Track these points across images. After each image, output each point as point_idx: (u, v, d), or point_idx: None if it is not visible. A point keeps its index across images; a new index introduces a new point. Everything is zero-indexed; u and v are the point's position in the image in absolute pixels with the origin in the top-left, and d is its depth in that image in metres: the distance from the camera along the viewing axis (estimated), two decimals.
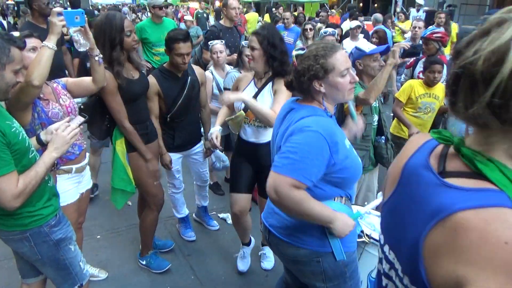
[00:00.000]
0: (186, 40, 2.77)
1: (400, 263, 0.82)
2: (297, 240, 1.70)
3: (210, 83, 3.73)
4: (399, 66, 5.40)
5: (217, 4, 14.04)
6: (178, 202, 3.37)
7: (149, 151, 2.77)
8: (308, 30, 5.86)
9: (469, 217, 0.66)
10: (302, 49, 1.67)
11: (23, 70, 1.91)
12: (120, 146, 2.67)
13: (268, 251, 3.09)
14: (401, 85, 4.16)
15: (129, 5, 21.61)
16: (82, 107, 2.47)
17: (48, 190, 1.89)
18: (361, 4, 20.23)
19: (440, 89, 3.66)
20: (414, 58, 4.26)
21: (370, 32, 6.55)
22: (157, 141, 2.91)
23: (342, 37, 6.26)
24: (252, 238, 3.08)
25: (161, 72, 2.93)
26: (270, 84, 2.52)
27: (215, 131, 2.62)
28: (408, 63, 4.67)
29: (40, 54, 2.00)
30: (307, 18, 9.14)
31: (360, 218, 1.83)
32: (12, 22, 12.56)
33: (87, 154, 2.58)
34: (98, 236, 3.46)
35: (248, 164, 2.74)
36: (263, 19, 12.28)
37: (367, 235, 2.12)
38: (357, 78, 1.72)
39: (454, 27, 7.24)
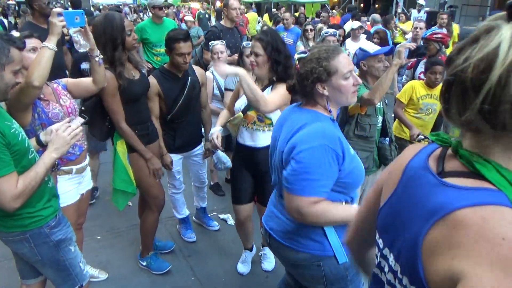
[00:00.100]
0: (186, 39, 2.76)
1: (400, 264, 0.82)
2: (297, 244, 1.70)
3: (210, 84, 3.73)
4: (401, 67, 5.39)
5: (218, 4, 14.04)
6: (178, 203, 3.37)
7: (150, 151, 2.76)
8: (309, 31, 5.85)
9: (467, 214, 0.67)
10: (304, 52, 1.65)
11: (23, 71, 1.90)
12: (121, 146, 2.66)
13: (268, 252, 3.09)
14: (402, 86, 4.15)
15: (129, 5, 21.60)
16: (83, 108, 2.46)
17: (48, 191, 1.88)
18: (362, 5, 20.23)
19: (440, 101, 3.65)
20: (415, 59, 4.25)
21: (371, 31, 6.55)
22: (158, 142, 2.90)
23: (345, 37, 6.24)
24: (254, 245, 3.10)
25: (162, 72, 2.92)
26: (269, 88, 2.50)
27: (216, 131, 2.61)
28: (409, 64, 4.67)
29: (40, 54, 1.99)
30: (308, 19, 9.13)
31: None
32: (13, 22, 12.57)
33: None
34: (98, 237, 3.45)
35: (247, 172, 2.73)
36: (262, 19, 12.29)
37: None
38: (360, 81, 1.71)
39: (456, 28, 7.24)
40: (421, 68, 4.30)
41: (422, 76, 4.17)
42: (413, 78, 4.46)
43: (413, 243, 0.76)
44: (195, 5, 16.75)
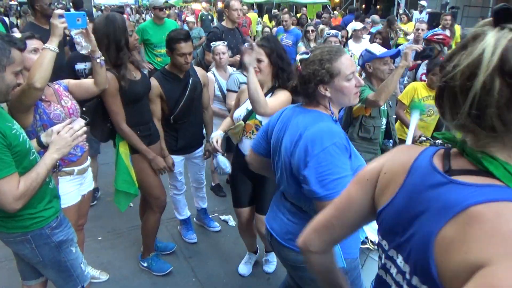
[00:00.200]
0: (187, 39, 2.77)
1: (409, 264, 0.82)
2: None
3: (212, 85, 3.73)
4: None
5: (220, 5, 14.04)
6: (180, 204, 3.37)
7: (152, 152, 2.76)
8: (310, 32, 5.85)
9: (481, 210, 0.69)
10: (306, 53, 1.64)
11: (24, 72, 1.91)
12: (123, 147, 2.66)
13: (271, 257, 3.08)
14: (404, 87, 4.14)
15: (131, 5, 21.63)
16: (84, 109, 2.46)
17: (49, 192, 1.88)
18: (363, 6, 20.22)
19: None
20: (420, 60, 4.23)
21: (372, 31, 6.55)
22: (159, 143, 2.90)
23: (347, 39, 6.23)
24: (258, 248, 3.10)
25: (163, 74, 2.92)
26: (269, 95, 2.48)
27: (216, 135, 2.61)
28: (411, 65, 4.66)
29: (41, 56, 1.99)
30: (311, 20, 9.13)
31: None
32: (15, 22, 12.60)
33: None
34: (100, 238, 3.45)
35: (246, 178, 2.72)
36: (262, 20, 12.29)
37: (371, 241, 2.08)
38: (362, 82, 1.70)
39: (457, 29, 7.22)
40: (422, 69, 4.29)
41: (423, 77, 4.16)
42: (414, 79, 4.45)
43: (424, 242, 0.76)
44: (197, 6, 16.75)
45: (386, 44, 5.78)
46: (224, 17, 4.86)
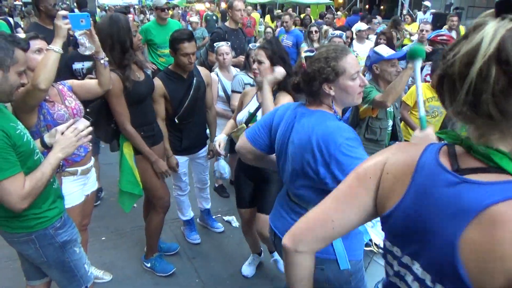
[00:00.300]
0: (190, 39, 2.77)
1: (429, 271, 0.80)
2: None
3: (215, 85, 3.73)
4: None
5: (223, 6, 14.06)
6: (183, 205, 3.37)
7: (155, 152, 2.76)
8: (314, 32, 5.83)
9: (503, 209, 0.67)
10: (311, 50, 1.62)
11: (28, 72, 1.91)
12: (127, 148, 2.66)
13: (277, 255, 3.07)
14: (408, 88, 4.12)
15: (134, 6, 21.69)
16: (88, 110, 2.46)
17: (53, 192, 1.88)
18: (367, 6, 20.18)
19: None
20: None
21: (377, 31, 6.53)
22: (162, 143, 2.90)
23: (352, 39, 6.22)
24: (262, 249, 3.08)
25: (167, 74, 2.92)
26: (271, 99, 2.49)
27: (219, 139, 2.61)
28: None
29: (46, 57, 2.00)
30: (314, 21, 9.12)
31: (371, 227, 1.80)
32: (19, 22, 12.66)
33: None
34: (103, 238, 3.46)
35: (248, 179, 2.72)
36: (264, 20, 12.28)
37: (375, 244, 2.07)
38: (366, 82, 1.69)
39: (462, 30, 7.19)
40: (427, 70, 4.28)
41: (428, 78, 4.14)
42: None
43: (447, 248, 0.74)
44: (200, 6, 16.76)
45: (390, 45, 5.74)
46: (227, 18, 4.85)
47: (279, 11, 14.21)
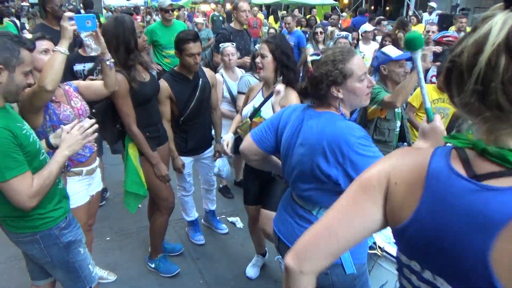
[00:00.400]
0: (195, 40, 2.78)
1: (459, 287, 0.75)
2: None
3: (220, 86, 3.74)
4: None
5: (228, 6, 14.09)
6: (188, 205, 3.37)
7: (160, 153, 2.77)
8: (319, 34, 5.83)
9: None
10: (317, 54, 1.62)
11: (35, 72, 1.92)
12: (132, 149, 2.67)
13: None
14: (414, 89, 4.10)
15: (141, 7, 21.75)
16: (94, 110, 2.47)
17: (59, 192, 1.89)
18: (372, 7, 20.12)
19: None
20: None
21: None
22: (167, 144, 2.90)
23: (358, 40, 6.21)
24: (267, 251, 3.07)
25: (172, 75, 2.92)
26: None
27: (227, 138, 2.61)
28: None
29: (52, 59, 2.00)
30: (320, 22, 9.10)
31: None
32: (26, 23, 12.74)
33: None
34: (108, 238, 3.46)
35: (255, 176, 2.72)
36: (268, 21, 12.28)
37: (379, 247, 2.06)
38: (374, 82, 1.69)
39: (468, 31, 7.14)
40: (433, 71, 4.25)
41: (434, 79, 4.12)
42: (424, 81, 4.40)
43: (478, 262, 0.70)
44: (206, 7, 16.79)
45: (395, 46, 5.72)
46: (232, 19, 4.86)
47: (284, 12, 14.20)
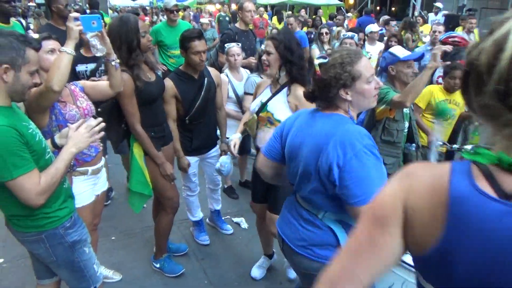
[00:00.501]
0: (200, 37, 2.78)
1: None
2: (312, 253, 1.66)
3: (225, 86, 3.73)
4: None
5: (233, 7, 14.10)
6: (193, 205, 3.36)
7: (165, 153, 2.77)
8: (324, 34, 5.81)
9: None
10: (324, 57, 1.61)
11: (41, 72, 1.93)
12: (137, 148, 2.67)
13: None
14: None
15: (146, 7, 21.83)
16: (99, 110, 2.48)
17: (64, 191, 1.90)
18: (378, 7, 20.05)
19: (460, 95, 3.57)
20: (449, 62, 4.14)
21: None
22: (172, 144, 2.90)
23: (365, 41, 6.18)
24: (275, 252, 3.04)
25: (178, 74, 2.92)
26: (285, 90, 2.47)
27: (235, 138, 2.61)
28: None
29: (59, 59, 2.01)
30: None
31: None
32: (31, 23, 12.82)
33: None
34: (113, 238, 3.47)
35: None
36: (271, 22, 12.27)
37: None
38: (381, 84, 1.68)
39: (476, 32, 7.09)
40: (439, 72, 4.22)
41: (440, 80, 4.09)
42: (431, 82, 4.38)
43: None
44: (211, 8, 16.80)
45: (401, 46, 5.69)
46: (237, 19, 4.86)
47: (290, 12, 14.20)
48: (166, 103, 2.83)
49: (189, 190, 3.28)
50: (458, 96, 3.55)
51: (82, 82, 2.45)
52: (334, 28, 7.95)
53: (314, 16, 11.36)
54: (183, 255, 3.24)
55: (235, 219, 3.78)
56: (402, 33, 6.68)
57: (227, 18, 10.91)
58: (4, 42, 1.58)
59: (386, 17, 8.86)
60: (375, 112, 2.80)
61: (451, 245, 0.73)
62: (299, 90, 2.35)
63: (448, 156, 3.87)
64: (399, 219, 0.80)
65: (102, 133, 1.89)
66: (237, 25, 4.74)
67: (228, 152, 2.93)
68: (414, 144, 2.95)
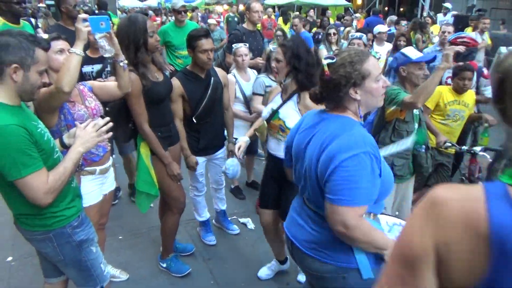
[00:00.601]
0: (207, 36, 2.81)
1: None
2: (323, 254, 1.64)
3: (233, 86, 3.73)
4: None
5: (241, 7, 14.11)
6: (200, 205, 3.37)
7: (172, 153, 2.77)
8: (332, 35, 5.79)
9: None
10: (331, 57, 1.60)
11: (50, 72, 1.94)
12: (144, 148, 2.68)
13: (302, 277, 2.99)
14: None
15: (154, 8, 21.93)
16: (108, 109, 2.49)
17: (72, 191, 1.90)
18: (386, 8, 19.95)
19: (470, 96, 3.54)
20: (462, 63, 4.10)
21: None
22: (179, 144, 2.91)
23: (373, 41, 6.15)
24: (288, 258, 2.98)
25: (185, 74, 2.93)
26: (295, 98, 2.45)
27: (242, 141, 2.61)
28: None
29: (68, 60, 2.02)
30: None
31: (388, 231, 1.75)
32: (39, 23, 12.93)
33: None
34: (120, 237, 3.49)
35: (274, 180, 2.68)
36: (277, 22, 12.26)
37: None
38: (388, 83, 1.68)
39: (486, 33, 7.02)
40: (448, 72, 4.18)
41: (449, 81, 4.05)
42: (440, 83, 4.34)
43: None
44: (219, 8, 16.84)
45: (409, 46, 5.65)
46: (245, 19, 4.86)
47: (297, 13, 14.16)
48: (173, 102, 2.84)
49: (196, 190, 3.28)
50: (467, 97, 3.52)
51: (91, 82, 2.46)
52: (342, 28, 7.92)
53: (322, 17, 11.33)
54: (189, 255, 3.24)
55: (242, 220, 3.78)
56: (412, 33, 6.62)
57: (236, 19, 10.91)
58: (14, 42, 1.60)
59: (394, 17, 8.81)
60: (385, 113, 2.78)
61: (498, 282, 0.67)
62: (308, 99, 2.33)
63: (457, 157, 3.83)
64: (430, 258, 0.73)
65: (110, 133, 1.90)
66: (244, 25, 4.75)
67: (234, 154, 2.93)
68: (423, 146, 2.92)
